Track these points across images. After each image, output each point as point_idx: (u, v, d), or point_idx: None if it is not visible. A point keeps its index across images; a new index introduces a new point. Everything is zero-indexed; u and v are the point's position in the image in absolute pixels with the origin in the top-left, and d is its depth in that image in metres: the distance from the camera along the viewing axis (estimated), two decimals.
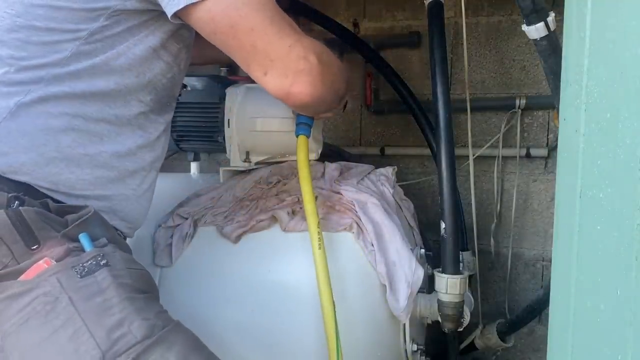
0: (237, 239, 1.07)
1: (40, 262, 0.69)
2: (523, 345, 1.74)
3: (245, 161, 1.23)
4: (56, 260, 0.69)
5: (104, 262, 0.71)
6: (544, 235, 1.69)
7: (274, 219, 1.06)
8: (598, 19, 0.54)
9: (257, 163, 1.24)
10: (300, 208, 1.05)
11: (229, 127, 1.22)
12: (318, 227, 0.95)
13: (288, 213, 1.06)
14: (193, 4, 0.77)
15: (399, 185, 1.30)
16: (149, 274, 0.80)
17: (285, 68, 0.83)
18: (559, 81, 0.63)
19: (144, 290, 0.75)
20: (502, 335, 1.52)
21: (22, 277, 0.68)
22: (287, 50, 0.83)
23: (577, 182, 0.57)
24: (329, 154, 1.41)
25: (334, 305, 0.91)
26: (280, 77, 0.84)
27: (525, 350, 1.74)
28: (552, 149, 1.63)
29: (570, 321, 0.59)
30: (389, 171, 1.25)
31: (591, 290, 0.56)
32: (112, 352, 0.66)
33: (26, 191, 0.75)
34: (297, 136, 1.05)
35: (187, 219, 1.14)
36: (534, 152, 1.64)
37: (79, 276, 0.69)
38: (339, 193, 1.10)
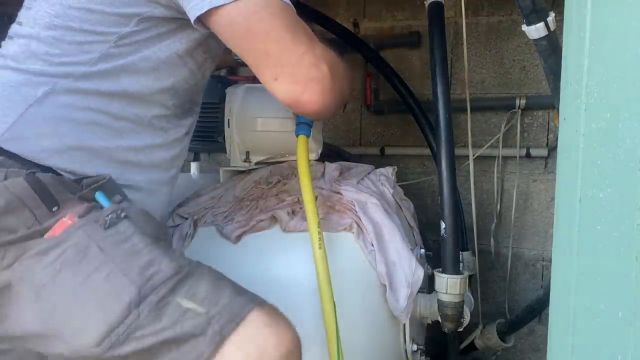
0: (237, 239, 1.06)
1: (64, 218, 0.71)
2: (523, 345, 1.74)
3: (245, 161, 1.23)
4: (79, 217, 0.72)
5: (123, 214, 0.74)
6: (544, 235, 1.69)
7: (274, 219, 1.06)
8: (598, 19, 0.54)
9: (257, 163, 1.24)
10: (300, 208, 1.05)
11: (229, 127, 1.22)
12: (318, 227, 0.95)
13: (288, 213, 1.06)
14: (215, 8, 0.78)
15: (399, 185, 1.30)
16: (164, 225, 0.83)
17: (296, 75, 0.83)
18: (559, 81, 0.63)
19: (163, 239, 0.79)
20: (502, 335, 1.52)
21: (48, 234, 0.71)
22: (300, 58, 0.82)
23: (577, 182, 0.57)
24: (329, 154, 1.41)
25: (334, 305, 0.91)
26: (292, 84, 0.83)
27: (525, 350, 1.74)
28: (552, 149, 1.63)
29: (570, 321, 0.59)
30: (389, 171, 1.25)
31: (591, 290, 0.56)
32: (147, 286, 0.68)
33: (42, 170, 0.78)
34: (297, 136, 1.05)
35: (187, 219, 1.14)
36: (534, 152, 1.64)
37: (103, 228, 0.72)
38: (339, 193, 1.10)
